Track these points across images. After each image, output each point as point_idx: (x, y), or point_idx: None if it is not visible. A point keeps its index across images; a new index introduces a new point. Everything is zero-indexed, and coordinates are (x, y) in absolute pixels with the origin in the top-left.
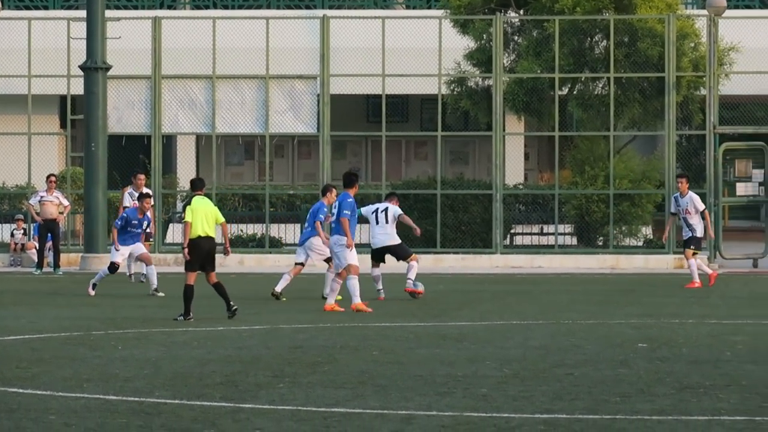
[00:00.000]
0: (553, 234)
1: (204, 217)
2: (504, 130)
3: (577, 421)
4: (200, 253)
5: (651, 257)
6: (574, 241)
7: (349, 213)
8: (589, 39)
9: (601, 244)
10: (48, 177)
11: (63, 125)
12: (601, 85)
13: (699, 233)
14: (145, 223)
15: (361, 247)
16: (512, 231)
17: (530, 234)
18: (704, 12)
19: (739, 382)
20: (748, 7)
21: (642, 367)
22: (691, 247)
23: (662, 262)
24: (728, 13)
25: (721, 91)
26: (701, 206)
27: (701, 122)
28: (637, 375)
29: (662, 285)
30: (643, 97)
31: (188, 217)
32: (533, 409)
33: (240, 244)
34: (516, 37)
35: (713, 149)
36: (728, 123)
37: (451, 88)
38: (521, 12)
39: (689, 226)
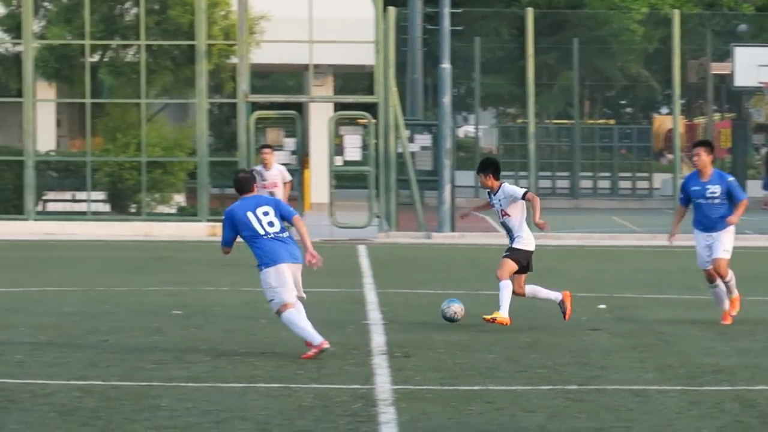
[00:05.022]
0: (85, 201)
1: None
2: (35, 96)
3: (112, 388)
4: None
5: (184, 224)
6: (108, 208)
7: None
8: (119, 6)
9: (134, 211)
10: None
11: None
12: (132, 53)
13: None
14: None
15: None
16: (44, 197)
17: (63, 201)
18: None
19: (273, 349)
20: None
21: (177, 334)
22: None
23: (195, 230)
24: None
25: (252, 60)
26: (289, 177)
27: (233, 90)
28: (171, 342)
29: (196, 252)
30: (174, 65)
31: None
32: (68, 375)
33: None
34: (46, 3)
35: (245, 117)
36: (260, 91)
37: None
38: None
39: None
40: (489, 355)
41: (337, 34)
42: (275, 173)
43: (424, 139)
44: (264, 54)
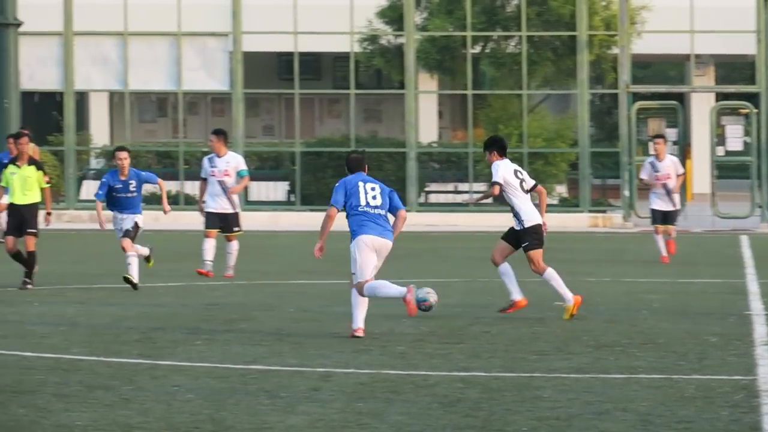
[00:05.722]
0: (467, 192)
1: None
2: (417, 88)
3: (494, 379)
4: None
5: (565, 216)
6: (490, 199)
7: None
8: None
9: None
10: None
11: None
12: (513, 44)
13: (678, 204)
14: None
15: None
16: (426, 189)
17: (444, 192)
18: None
19: (655, 340)
20: None
21: (558, 326)
22: (674, 223)
23: (577, 221)
24: None
25: (633, 50)
26: (682, 169)
27: (614, 81)
28: (553, 333)
29: (578, 243)
30: (555, 56)
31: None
32: (450, 366)
33: (154, 201)
34: None
35: (626, 108)
36: (641, 82)
37: (363, 46)
38: None
39: (669, 194)
40: None
41: (718, 23)
42: (668, 164)
43: None
44: (645, 44)
